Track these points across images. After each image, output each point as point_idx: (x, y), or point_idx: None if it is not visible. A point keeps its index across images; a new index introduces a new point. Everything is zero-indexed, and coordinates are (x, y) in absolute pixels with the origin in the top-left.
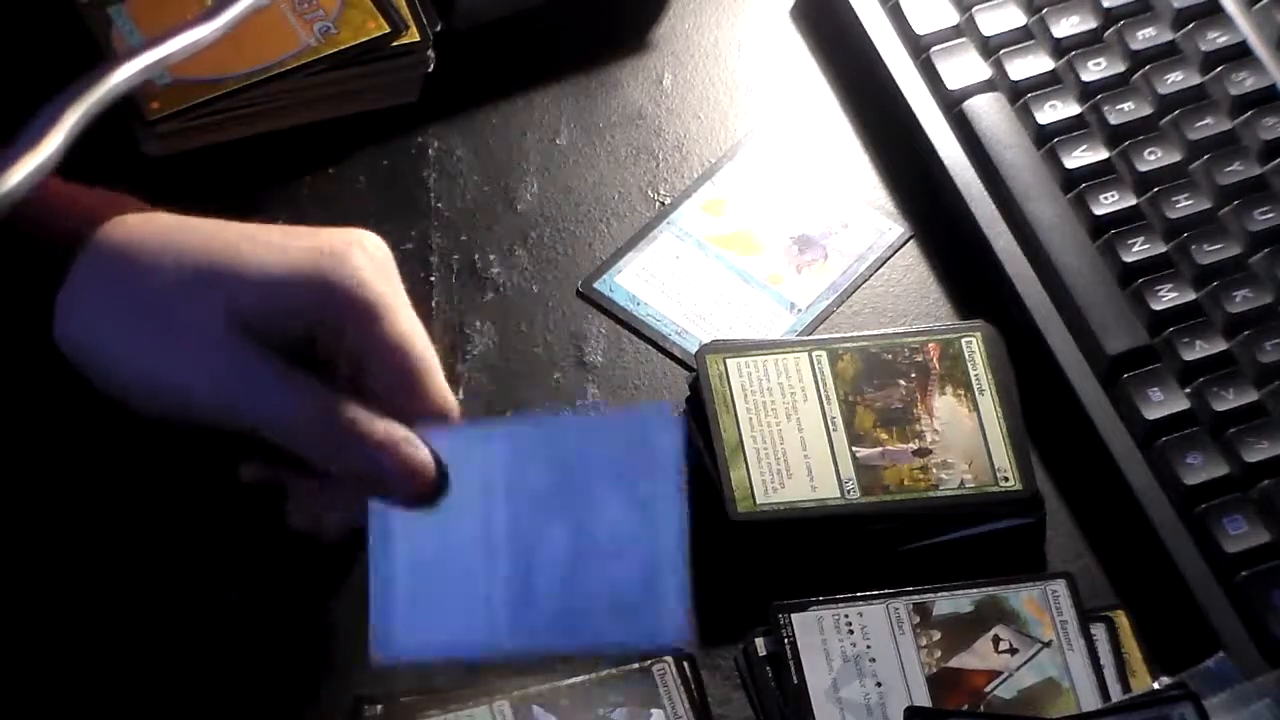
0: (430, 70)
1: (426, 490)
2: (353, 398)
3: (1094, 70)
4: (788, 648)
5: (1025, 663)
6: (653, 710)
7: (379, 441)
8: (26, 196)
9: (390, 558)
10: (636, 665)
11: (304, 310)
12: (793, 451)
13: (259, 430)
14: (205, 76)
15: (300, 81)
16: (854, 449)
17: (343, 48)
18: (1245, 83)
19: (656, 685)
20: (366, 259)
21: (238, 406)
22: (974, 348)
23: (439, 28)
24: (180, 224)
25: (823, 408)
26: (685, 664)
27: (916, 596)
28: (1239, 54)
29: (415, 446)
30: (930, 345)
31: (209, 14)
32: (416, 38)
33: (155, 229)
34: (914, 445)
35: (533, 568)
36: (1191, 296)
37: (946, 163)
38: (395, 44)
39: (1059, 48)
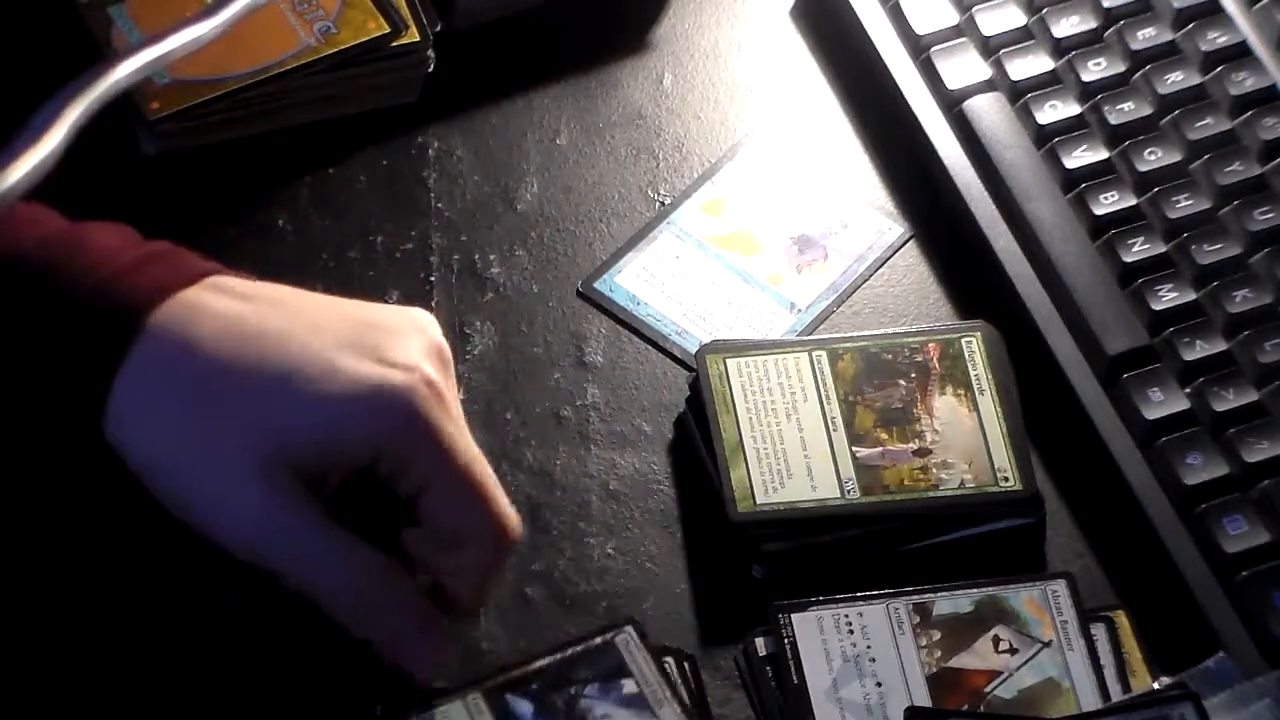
0: (430, 70)
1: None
2: (395, 563)
3: (1094, 70)
4: (788, 648)
5: (1025, 663)
6: (623, 680)
7: (415, 625)
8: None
9: None
10: (599, 640)
11: (361, 451)
12: (793, 451)
13: (288, 581)
14: (205, 77)
15: (300, 81)
16: (854, 449)
17: (343, 48)
18: (1245, 83)
19: (622, 654)
20: (428, 390)
21: (269, 557)
22: (974, 348)
23: (439, 28)
24: (236, 319)
25: (823, 408)
26: (685, 663)
27: (916, 596)
28: (1239, 54)
29: (445, 637)
30: (930, 345)
31: (209, 12)
32: (416, 38)
33: (209, 325)
34: (914, 445)
35: None
36: (1191, 296)
37: (946, 163)
38: (395, 44)
39: (1059, 48)
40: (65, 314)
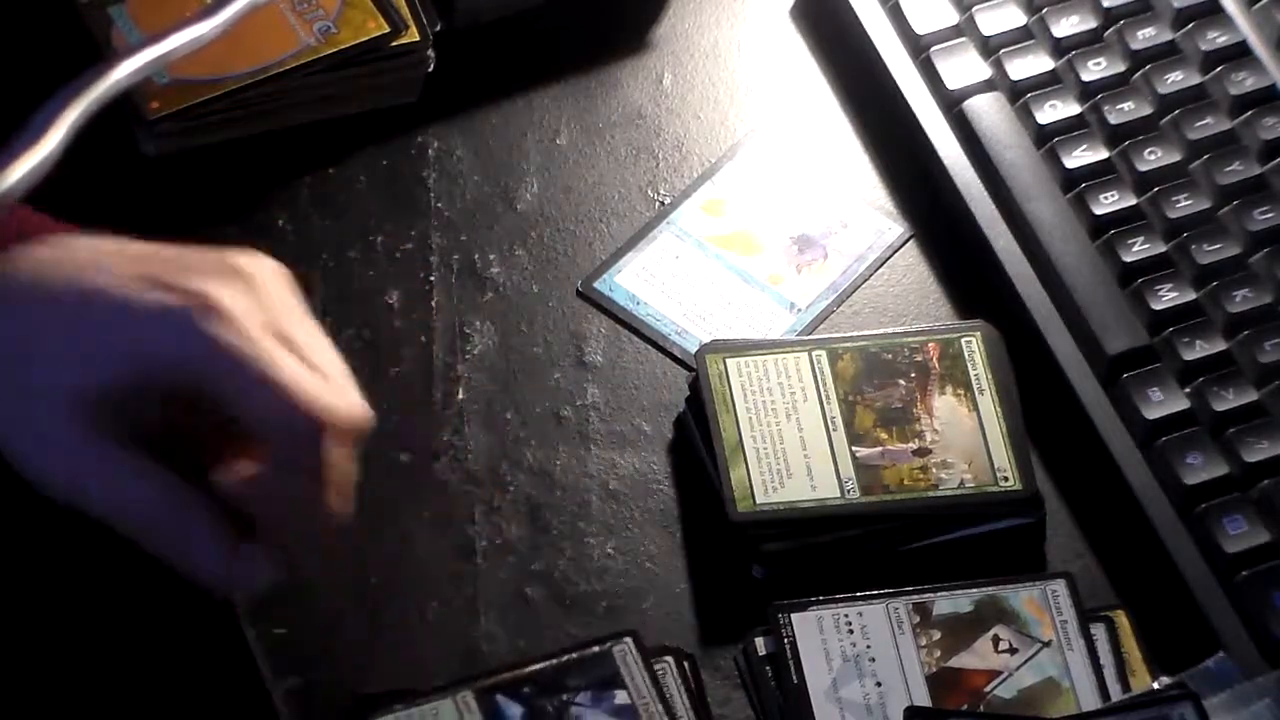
0: (430, 70)
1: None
2: (183, 481)
3: (1094, 70)
4: (788, 648)
5: (1025, 662)
6: (616, 691)
7: (207, 537)
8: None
9: None
10: (596, 648)
11: (152, 374)
12: (792, 451)
13: (105, 520)
14: (205, 76)
15: (300, 81)
16: (854, 449)
17: (343, 47)
18: (1245, 83)
19: (618, 665)
20: (208, 310)
21: (81, 495)
22: (974, 348)
23: (439, 28)
24: (38, 273)
25: (823, 407)
26: (685, 663)
27: (916, 596)
28: (1239, 54)
29: (255, 560)
30: (930, 345)
31: (209, 11)
32: (416, 38)
33: (30, 269)
34: (914, 445)
35: None
36: (1191, 296)
37: (946, 163)
38: (395, 44)
39: (1059, 47)
40: None
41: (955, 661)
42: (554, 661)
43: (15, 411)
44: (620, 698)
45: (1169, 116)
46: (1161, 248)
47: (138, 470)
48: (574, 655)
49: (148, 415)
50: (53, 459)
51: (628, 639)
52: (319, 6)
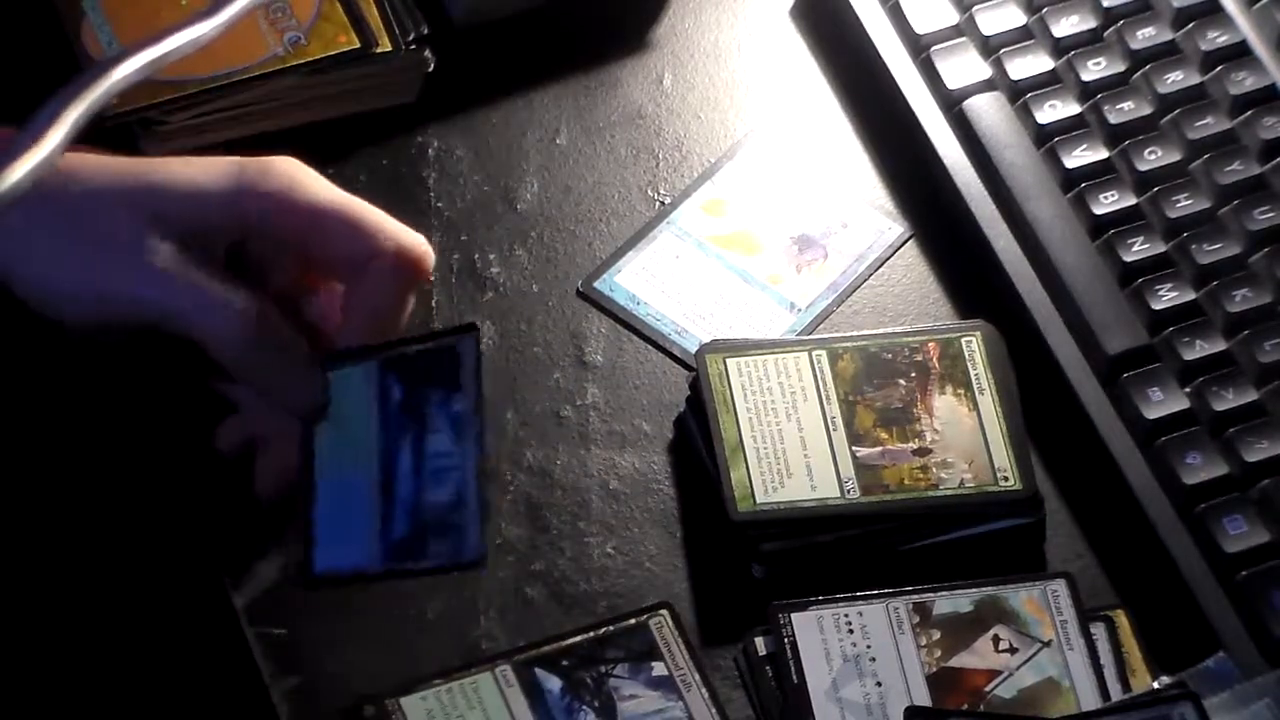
0: (430, 70)
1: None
2: (273, 307)
3: (1094, 70)
4: (788, 648)
5: (1025, 662)
6: (653, 663)
7: (294, 367)
8: None
9: (317, 482)
10: (633, 620)
11: (230, 213)
12: (793, 451)
13: (188, 335)
14: (168, 78)
15: (300, 81)
16: (854, 448)
17: (308, 60)
18: (1245, 82)
19: (654, 637)
20: (289, 166)
21: (167, 310)
22: (974, 347)
23: (425, 31)
24: (98, 156)
25: (823, 407)
26: (664, 613)
27: (916, 596)
28: (1239, 54)
29: (316, 375)
30: (930, 345)
31: (208, 11)
32: (389, 48)
33: (79, 153)
34: (914, 445)
35: (394, 491)
36: (1191, 296)
37: (946, 163)
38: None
39: (1059, 47)
40: None
41: (955, 661)
42: (591, 634)
43: (99, 243)
44: (658, 669)
45: (1169, 116)
46: (1161, 248)
47: (238, 296)
48: (611, 628)
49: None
50: (144, 279)
51: (664, 611)
52: (292, 16)
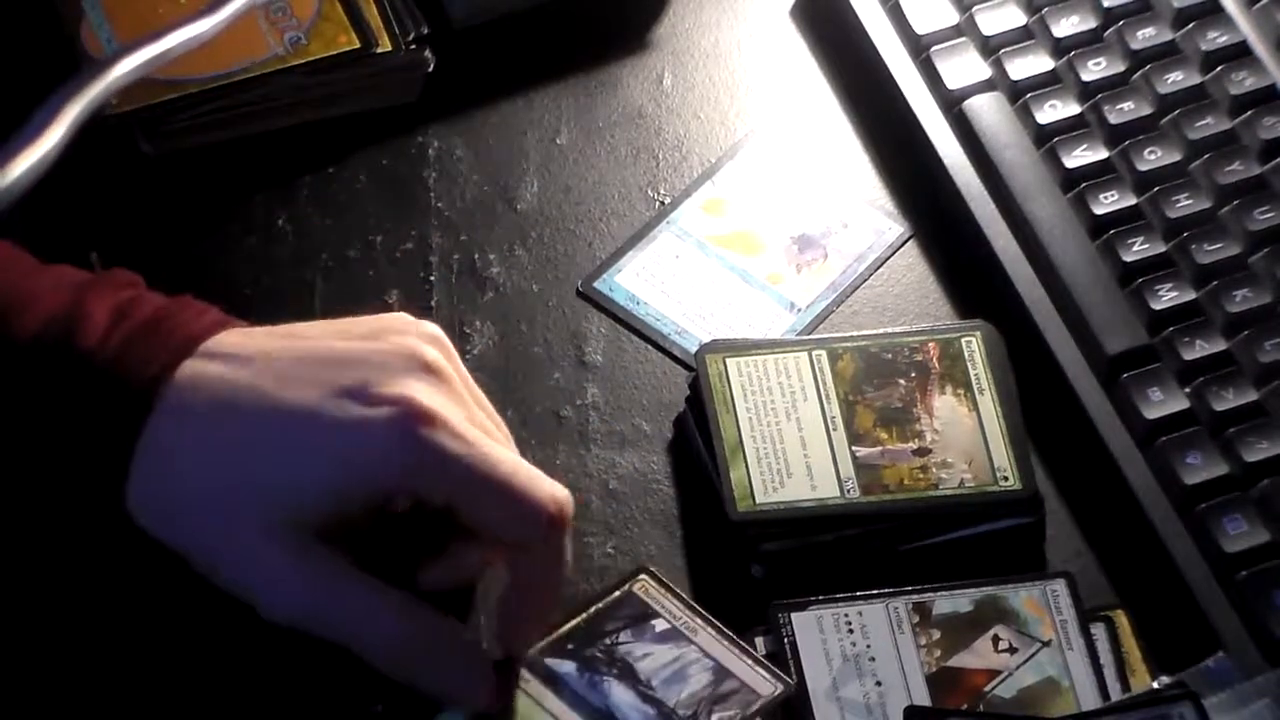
0: (430, 70)
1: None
2: (440, 615)
3: (1094, 70)
4: (788, 647)
5: (1025, 662)
6: (652, 621)
7: (466, 672)
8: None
9: None
10: (617, 593)
11: (368, 493)
12: (792, 451)
13: (328, 639)
14: (166, 77)
15: (300, 81)
16: (854, 448)
17: (309, 60)
18: (1245, 82)
19: (643, 599)
20: (417, 417)
21: (314, 622)
22: (974, 347)
23: (425, 31)
24: (230, 392)
25: (823, 407)
26: (644, 576)
27: (916, 596)
28: (1239, 54)
29: (488, 682)
30: (930, 345)
31: (208, 10)
32: (389, 48)
33: (204, 401)
34: (914, 445)
35: None
36: (1191, 296)
37: (946, 163)
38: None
39: (1059, 47)
40: (72, 410)
41: (955, 661)
42: (584, 614)
43: (234, 548)
44: (659, 625)
45: (1169, 116)
46: (1161, 247)
47: (387, 603)
48: (600, 604)
49: (352, 516)
50: (289, 591)
51: (643, 575)
52: (292, 16)
